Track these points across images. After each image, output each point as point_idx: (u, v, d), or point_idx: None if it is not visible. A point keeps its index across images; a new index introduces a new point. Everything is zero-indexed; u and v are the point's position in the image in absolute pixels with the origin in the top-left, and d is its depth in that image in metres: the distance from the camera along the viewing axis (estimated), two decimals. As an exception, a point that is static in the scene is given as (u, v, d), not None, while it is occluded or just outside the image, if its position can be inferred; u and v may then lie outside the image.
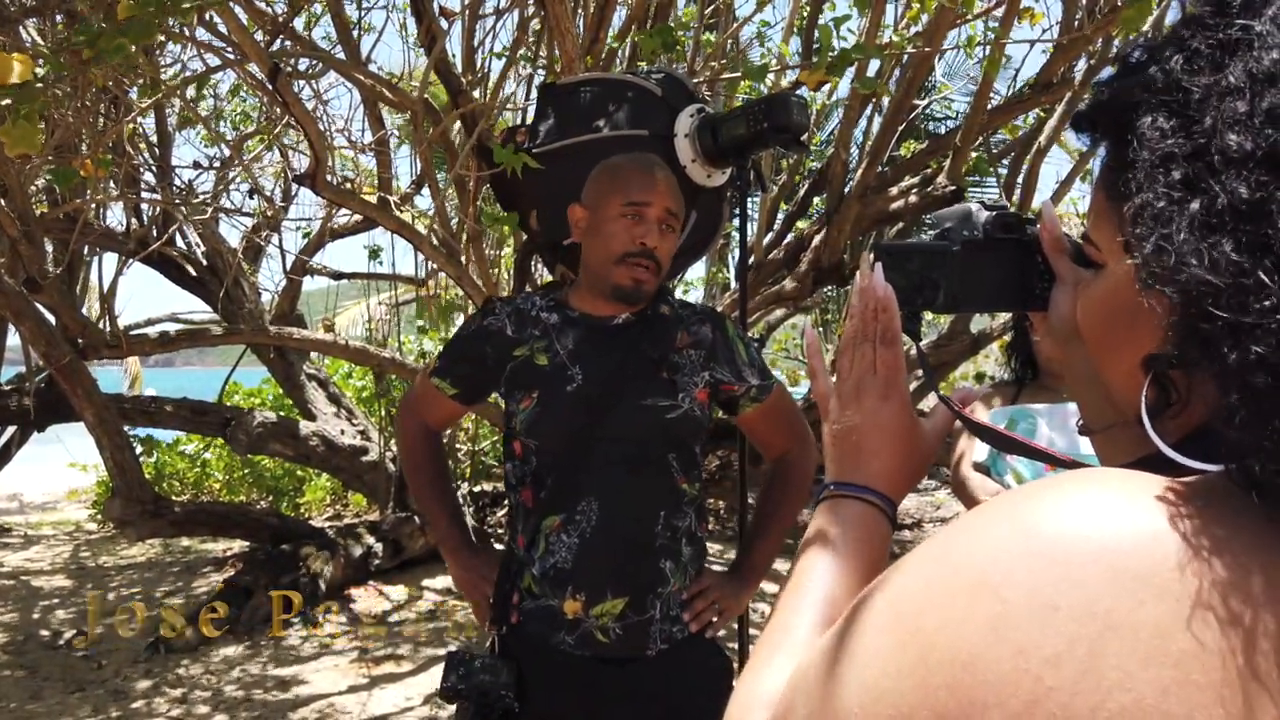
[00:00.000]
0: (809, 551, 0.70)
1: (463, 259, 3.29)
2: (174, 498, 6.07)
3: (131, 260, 4.69)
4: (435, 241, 3.31)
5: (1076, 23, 3.43)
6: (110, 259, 5.98)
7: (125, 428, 4.70)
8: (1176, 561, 0.41)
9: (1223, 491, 0.44)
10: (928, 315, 0.83)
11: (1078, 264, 0.59)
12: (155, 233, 4.96)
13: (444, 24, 2.99)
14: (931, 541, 0.49)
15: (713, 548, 6.11)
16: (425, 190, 4.53)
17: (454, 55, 3.36)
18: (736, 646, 2.05)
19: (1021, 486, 0.48)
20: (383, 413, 5.97)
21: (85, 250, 5.21)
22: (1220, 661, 0.39)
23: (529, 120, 2.30)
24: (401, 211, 3.49)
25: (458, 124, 3.02)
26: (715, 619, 1.63)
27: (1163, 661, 0.39)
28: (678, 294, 4.81)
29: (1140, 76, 0.50)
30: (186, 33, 2.52)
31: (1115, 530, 0.42)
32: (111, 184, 4.32)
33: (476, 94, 3.27)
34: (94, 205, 4.59)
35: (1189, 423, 0.49)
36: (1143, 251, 0.47)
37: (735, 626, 2.00)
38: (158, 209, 5.01)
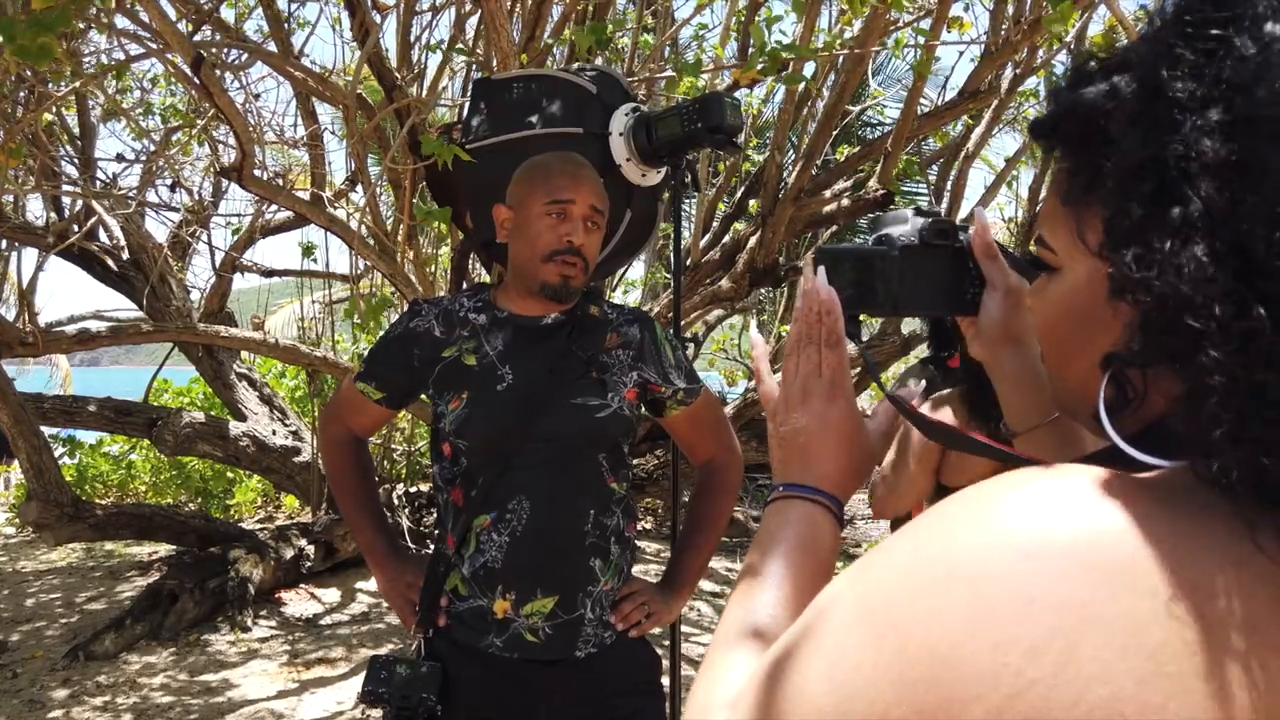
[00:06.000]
0: (760, 552, 0.70)
1: (398, 257, 3.25)
2: (97, 500, 5.87)
3: (49, 255, 4.53)
4: (369, 239, 3.26)
5: (1003, 33, 3.51)
6: (30, 254, 5.77)
7: (45, 429, 4.54)
8: (1149, 554, 0.42)
9: (1186, 485, 0.45)
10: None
11: (1034, 267, 0.60)
12: (77, 227, 4.80)
13: (378, 18, 2.95)
14: (900, 537, 0.49)
15: (650, 546, 6.12)
16: (361, 187, 4.46)
17: (388, 50, 3.32)
18: (669, 645, 2.06)
19: (989, 481, 0.48)
20: (316, 413, 5.86)
21: (4, 244, 5.02)
22: (1193, 651, 0.40)
23: (464, 116, 2.28)
24: (335, 208, 3.44)
25: (392, 118, 2.99)
26: (644, 621, 1.63)
27: (1139, 653, 0.40)
28: (617, 295, 4.77)
29: (1105, 84, 0.51)
30: (105, 20, 2.45)
31: (1087, 524, 0.43)
32: (29, 176, 4.17)
33: (413, 90, 3.23)
34: (11, 197, 4.42)
35: (1142, 419, 0.50)
36: (1120, 260, 0.48)
37: (667, 627, 2.01)
38: (78, 202, 4.85)
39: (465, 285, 3.33)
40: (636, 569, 1.72)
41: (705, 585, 5.13)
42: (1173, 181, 0.46)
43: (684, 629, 2.01)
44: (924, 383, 2.01)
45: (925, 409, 1.98)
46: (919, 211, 0.84)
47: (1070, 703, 0.40)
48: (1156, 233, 0.46)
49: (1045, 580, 0.42)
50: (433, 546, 1.68)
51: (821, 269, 0.77)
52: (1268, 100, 0.44)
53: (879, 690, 0.44)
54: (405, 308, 1.78)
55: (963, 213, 4.31)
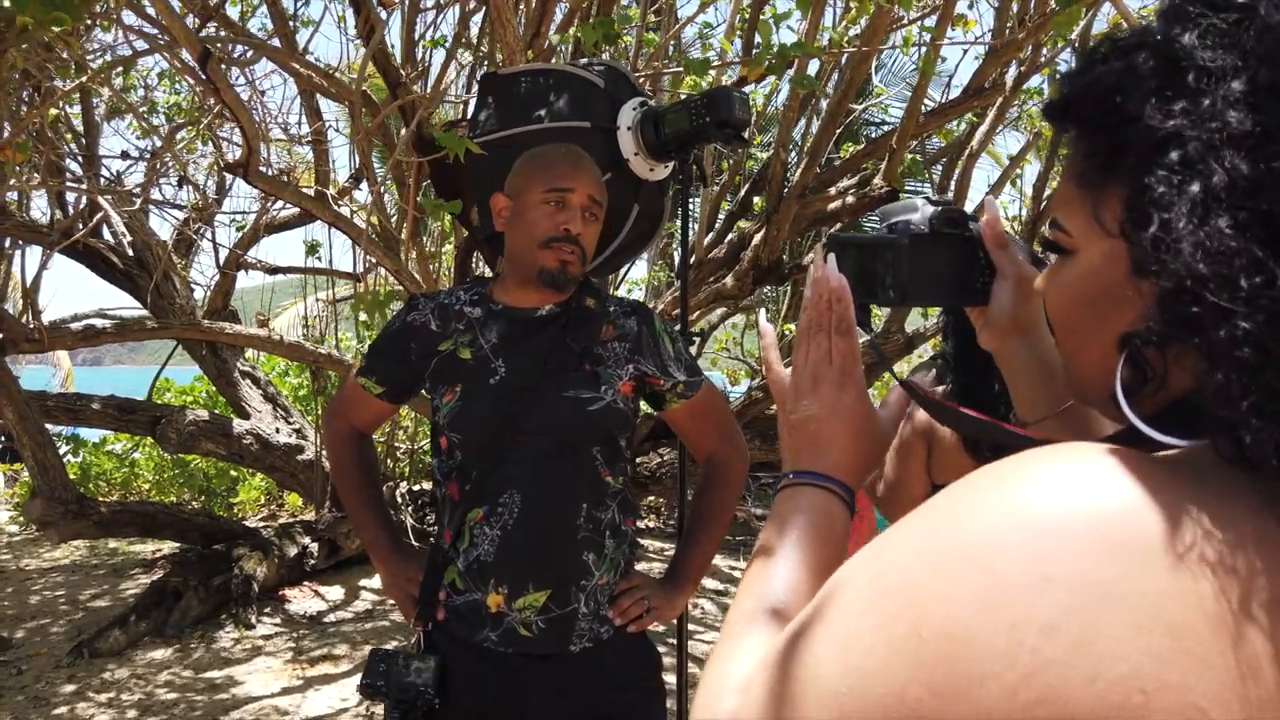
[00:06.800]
0: (770, 539, 0.70)
1: (402, 254, 3.25)
2: (100, 498, 5.88)
3: (53, 252, 4.54)
4: (373, 235, 3.26)
5: (1008, 30, 3.51)
6: (34, 252, 5.78)
7: (49, 426, 4.55)
8: (1167, 531, 0.41)
9: (1205, 464, 0.45)
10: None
11: (1049, 250, 0.60)
12: (81, 224, 4.80)
13: (383, 15, 2.95)
14: (913, 519, 0.49)
15: (654, 544, 6.12)
16: (365, 184, 4.47)
17: (393, 47, 3.32)
18: (675, 643, 2.06)
19: (1003, 460, 0.48)
20: (319, 410, 5.86)
21: (7, 242, 5.03)
22: (1215, 629, 0.39)
23: (470, 113, 2.28)
24: (340, 205, 3.43)
25: (397, 116, 2.99)
26: (643, 617, 1.61)
27: (1158, 631, 0.39)
28: (620, 294, 4.79)
29: (1120, 63, 0.51)
30: (113, 15, 2.45)
31: (1106, 502, 0.43)
32: (34, 173, 4.18)
33: (417, 88, 3.23)
34: (16, 194, 4.42)
35: (1159, 400, 0.49)
36: (1141, 239, 0.47)
37: (675, 623, 2.00)
38: (83, 199, 4.85)
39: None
40: (642, 567, 1.70)
41: (709, 583, 5.13)
42: (1195, 154, 0.46)
43: (689, 626, 2.00)
44: (933, 372, 2.00)
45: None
46: (929, 200, 0.84)
47: (1086, 680, 0.39)
48: (1179, 207, 0.46)
49: (1062, 558, 0.41)
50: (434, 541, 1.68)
51: (832, 256, 0.77)
52: None
53: (894, 671, 0.44)
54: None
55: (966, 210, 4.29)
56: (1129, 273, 0.50)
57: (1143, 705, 0.39)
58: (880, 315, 4.92)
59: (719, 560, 5.58)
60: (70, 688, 3.66)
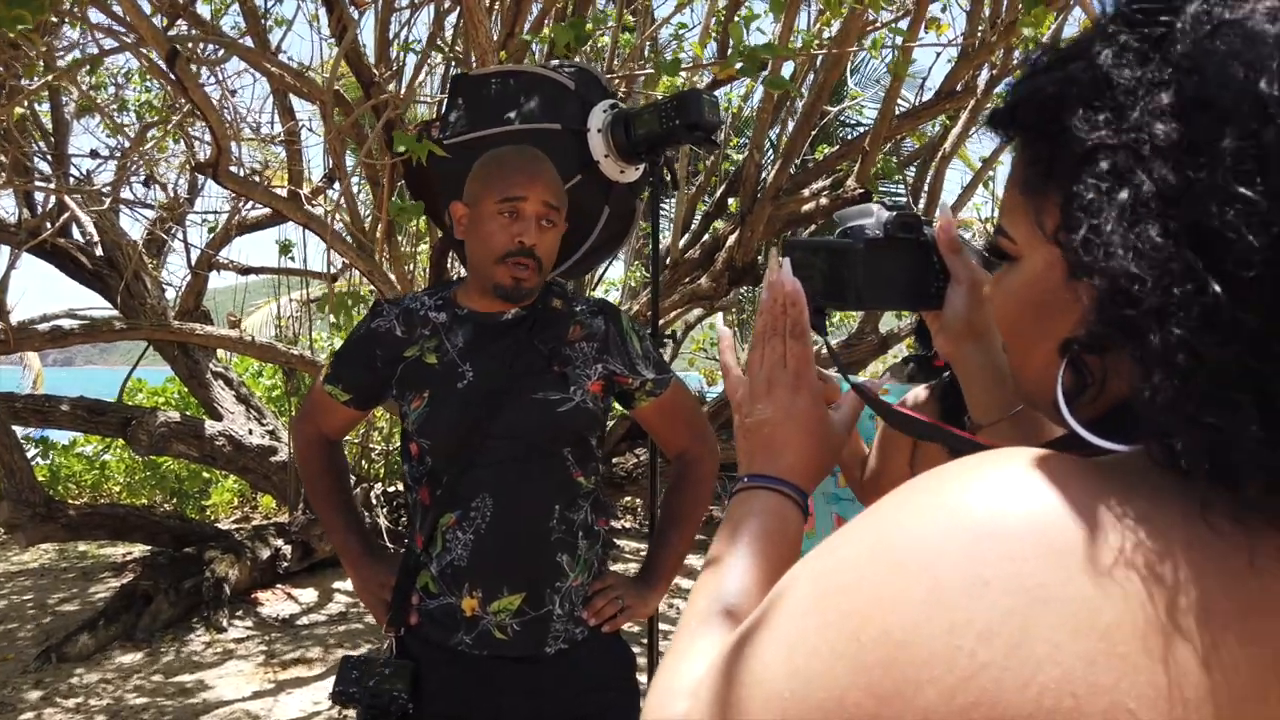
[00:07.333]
0: (724, 542, 0.70)
1: (376, 255, 3.23)
2: (70, 501, 5.81)
3: (20, 252, 4.48)
4: (346, 236, 3.24)
5: (980, 34, 3.55)
6: (1, 252, 5.71)
7: (17, 429, 4.49)
8: (1102, 535, 0.42)
9: (1140, 469, 0.45)
10: (837, 316, 0.84)
11: (994, 257, 0.60)
12: (50, 224, 4.74)
13: (355, 14, 2.94)
14: (857, 523, 0.49)
15: (630, 545, 6.12)
16: (338, 184, 4.43)
17: (366, 46, 3.30)
18: (646, 643, 2.06)
19: (944, 466, 0.48)
20: (293, 412, 5.82)
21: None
22: (1145, 632, 0.40)
23: (443, 111, 2.27)
24: (313, 205, 3.41)
25: (371, 115, 2.97)
26: (618, 616, 1.61)
27: (1091, 634, 0.40)
28: (597, 294, 4.79)
29: (1062, 72, 0.52)
30: (78, 12, 2.42)
31: (1043, 506, 0.43)
32: (0, 171, 4.12)
33: (391, 87, 3.21)
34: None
35: (1101, 406, 0.50)
36: (1072, 242, 0.48)
37: (645, 623, 2.00)
38: (51, 199, 4.79)
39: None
40: (617, 569, 1.71)
41: (683, 583, 5.13)
42: (1124, 164, 0.46)
43: (661, 626, 2.01)
44: (888, 374, 2.04)
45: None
46: (884, 205, 0.85)
47: (1021, 684, 0.40)
48: (1108, 213, 0.46)
49: (999, 562, 0.42)
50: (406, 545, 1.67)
51: (787, 261, 0.78)
52: (1217, 82, 0.44)
53: (836, 674, 0.44)
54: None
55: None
56: (1067, 278, 0.50)
57: (1074, 709, 0.39)
58: (853, 317, 4.94)
59: (692, 559, 5.58)
60: (37, 694, 3.61)
